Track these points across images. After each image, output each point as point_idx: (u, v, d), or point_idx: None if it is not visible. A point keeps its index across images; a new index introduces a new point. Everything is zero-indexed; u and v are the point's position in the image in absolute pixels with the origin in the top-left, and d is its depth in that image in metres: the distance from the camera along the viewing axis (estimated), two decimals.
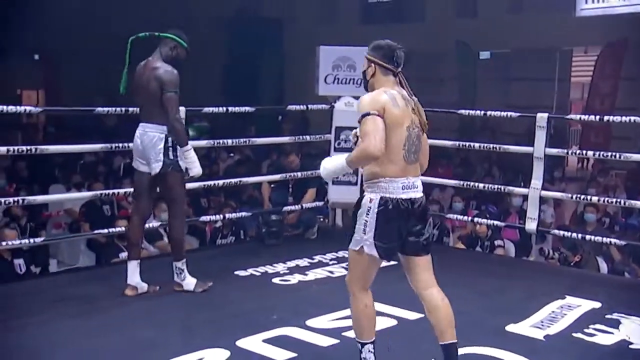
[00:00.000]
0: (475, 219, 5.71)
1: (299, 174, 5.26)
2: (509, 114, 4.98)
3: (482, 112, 5.16)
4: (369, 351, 2.72)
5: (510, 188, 5.39)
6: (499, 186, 5.42)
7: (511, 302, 3.90)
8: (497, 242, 5.88)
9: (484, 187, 5.34)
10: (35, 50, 15.67)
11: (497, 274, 4.50)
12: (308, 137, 5.36)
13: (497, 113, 5.03)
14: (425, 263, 2.72)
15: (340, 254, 4.74)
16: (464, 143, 5.34)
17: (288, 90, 14.24)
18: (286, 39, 15.26)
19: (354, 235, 2.67)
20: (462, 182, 5.39)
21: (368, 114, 2.58)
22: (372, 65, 2.72)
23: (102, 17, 13.95)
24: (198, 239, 6.85)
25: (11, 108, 3.89)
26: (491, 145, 5.11)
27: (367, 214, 2.63)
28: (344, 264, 4.52)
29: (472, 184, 5.40)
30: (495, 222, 5.53)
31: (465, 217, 5.82)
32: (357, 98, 5.29)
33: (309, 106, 5.27)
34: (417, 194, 2.68)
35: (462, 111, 5.46)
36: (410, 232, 2.66)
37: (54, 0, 13.28)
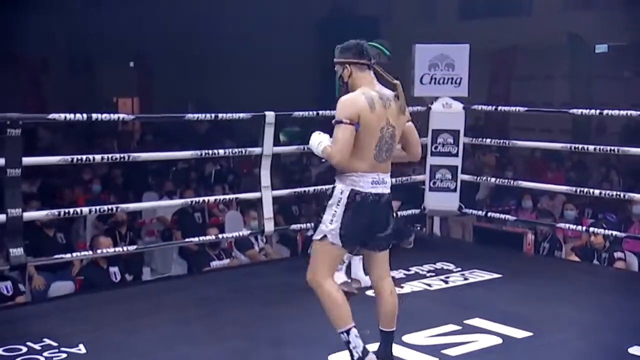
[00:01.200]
0: (591, 229, 5.43)
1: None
2: (629, 112, 4.70)
3: (598, 111, 4.91)
4: (355, 336, 2.82)
5: (632, 195, 5.10)
6: (618, 192, 5.14)
7: (637, 322, 3.67)
8: (617, 255, 5.56)
9: (600, 193, 5.07)
10: (131, 58, 16.55)
11: (619, 290, 4.26)
12: None
13: (616, 112, 4.77)
14: (384, 256, 2.97)
15: (439, 265, 4.65)
16: (577, 145, 5.10)
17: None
18: (382, 38, 15.23)
19: (320, 225, 2.87)
20: (575, 188, 5.14)
21: (341, 122, 2.78)
22: (347, 66, 2.90)
23: (193, 22, 14.54)
24: (289, 249, 6.96)
25: (105, 116, 4.12)
26: (608, 148, 4.85)
27: (337, 205, 2.85)
28: (442, 277, 4.43)
29: (587, 190, 5.14)
30: (615, 233, 5.23)
31: (580, 227, 5.55)
32: (456, 99, 5.21)
33: (411, 108, 5.19)
34: (385, 189, 2.91)
35: (575, 110, 5.22)
36: (377, 228, 2.87)
37: (148, 8, 14.01)
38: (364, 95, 2.83)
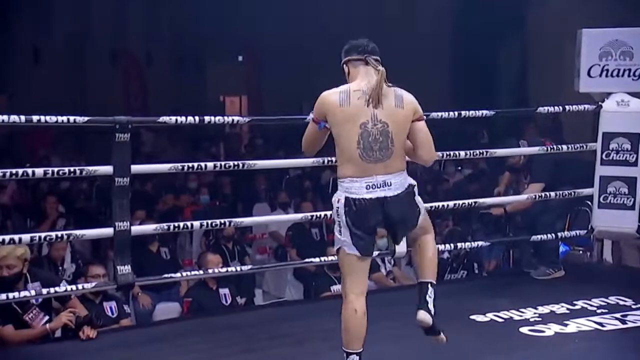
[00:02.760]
0: None
1: (551, 193, 4.96)
2: None
3: None
4: None
5: None
6: None
7: None
8: None
9: None
10: (239, 51, 17.03)
11: None
12: (564, 147, 5.04)
13: None
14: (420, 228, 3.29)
15: (612, 299, 4.39)
16: None
17: (534, 87, 13.74)
18: (530, 23, 14.71)
19: (335, 235, 3.15)
20: None
21: (311, 119, 3.19)
22: (345, 66, 3.22)
23: (307, 14, 14.78)
24: None
25: (219, 119, 4.23)
26: None
27: (338, 215, 3.12)
28: (617, 314, 4.17)
29: None
30: None
31: None
32: (634, 95, 4.89)
33: (567, 107, 4.97)
34: (390, 192, 3.07)
35: None
36: (394, 219, 3.13)
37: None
38: (340, 91, 3.10)
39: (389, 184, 3.07)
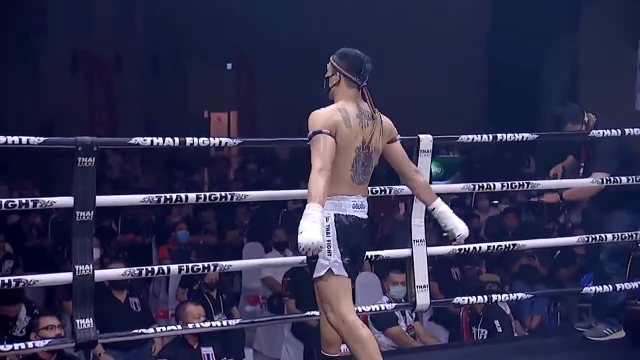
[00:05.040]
0: None
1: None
2: None
3: None
4: None
5: None
6: None
7: None
8: None
9: None
10: (228, 57, 17.13)
11: None
12: (623, 179, 5.07)
13: None
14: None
15: None
16: None
17: (586, 105, 13.83)
18: (582, 28, 14.83)
19: (318, 261, 3.51)
20: None
21: (321, 132, 3.50)
22: (337, 74, 3.67)
23: (313, 10, 14.92)
24: (448, 330, 6.89)
25: (203, 140, 4.24)
26: None
27: (328, 234, 3.51)
28: None
29: None
30: None
31: None
32: None
33: (628, 130, 5.01)
34: (365, 214, 3.67)
35: None
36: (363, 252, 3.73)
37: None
38: (339, 110, 3.58)
39: (364, 205, 3.67)
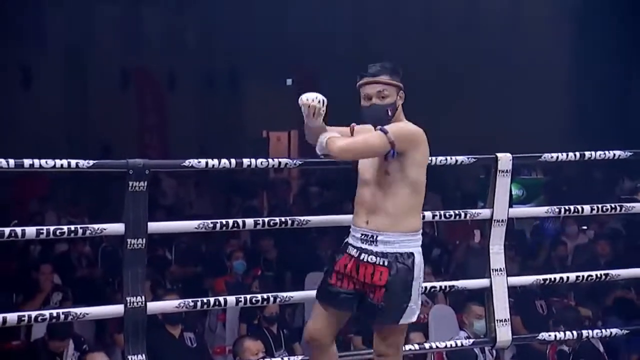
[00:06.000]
0: None
1: None
2: None
3: None
4: None
5: None
6: None
7: None
8: None
9: None
10: (288, 73, 17.25)
11: None
12: None
13: None
14: None
15: None
16: None
17: None
18: None
19: (409, 305, 3.61)
20: None
21: (385, 132, 3.54)
22: (400, 92, 3.71)
23: (378, 20, 14.94)
24: None
25: (262, 162, 4.31)
26: None
27: (420, 277, 3.64)
28: None
29: None
30: None
31: None
32: None
33: None
34: None
35: None
36: None
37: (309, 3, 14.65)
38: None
39: None
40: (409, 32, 14.91)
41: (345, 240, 3.86)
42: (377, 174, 3.69)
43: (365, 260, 3.67)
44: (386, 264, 3.63)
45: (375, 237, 3.65)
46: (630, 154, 4.95)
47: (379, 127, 3.60)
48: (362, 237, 3.69)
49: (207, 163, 4.15)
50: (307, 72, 16.68)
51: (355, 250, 3.73)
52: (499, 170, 4.52)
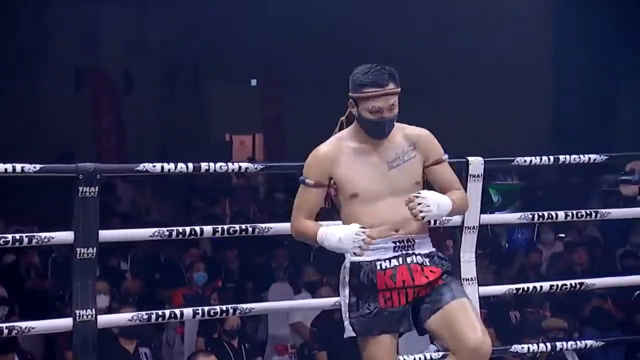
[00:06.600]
0: None
1: None
2: None
3: None
4: None
5: None
6: None
7: None
8: None
9: None
10: (253, 73, 17.21)
11: None
12: None
13: None
14: None
15: None
16: None
17: None
18: None
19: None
20: None
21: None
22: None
23: (356, 22, 14.93)
24: None
25: (220, 166, 4.29)
26: None
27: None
28: None
29: None
30: None
31: None
32: None
33: None
34: None
35: None
36: None
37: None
38: None
39: None
40: (381, 32, 14.93)
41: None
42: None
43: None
44: None
45: None
46: (606, 157, 4.97)
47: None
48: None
49: (162, 167, 4.13)
50: (274, 72, 16.68)
51: None
52: (470, 175, 4.50)
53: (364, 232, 3.41)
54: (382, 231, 3.57)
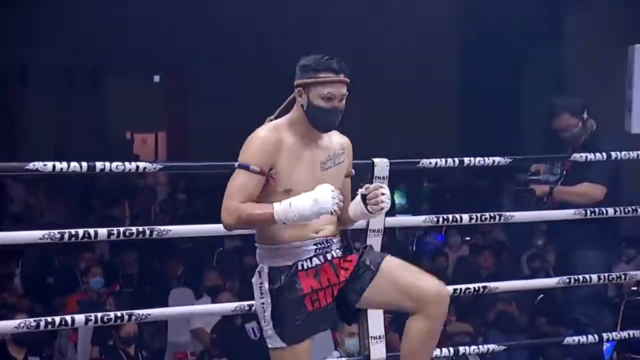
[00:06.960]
0: None
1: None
2: None
3: None
4: None
5: None
6: None
7: None
8: None
9: None
10: (155, 69, 17.07)
11: None
12: (610, 211, 5.14)
13: None
14: None
15: None
16: None
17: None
18: (568, 36, 15.13)
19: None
20: None
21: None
22: None
23: (262, 20, 14.91)
24: None
25: (117, 165, 4.24)
26: None
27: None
28: None
29: None
30: None
31: None
32: None
33: (614, 154, 5.07)
34: None
35: None
36: None
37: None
38: None
39: None
40: (292, 30, 14.94)
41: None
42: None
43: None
44: None
45: None
46: (510, 160, 5.08)
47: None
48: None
49: (54, 166, 4.07)
50: (177, 67, 16.58)
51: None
52: (376, 177, 4.53)
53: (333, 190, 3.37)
54: (306, 233, 3.56)
